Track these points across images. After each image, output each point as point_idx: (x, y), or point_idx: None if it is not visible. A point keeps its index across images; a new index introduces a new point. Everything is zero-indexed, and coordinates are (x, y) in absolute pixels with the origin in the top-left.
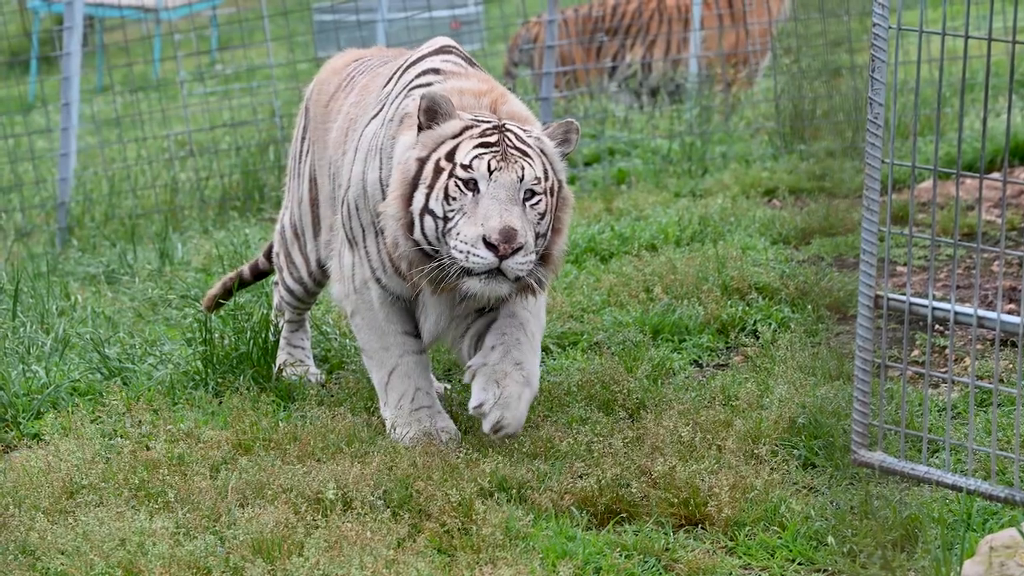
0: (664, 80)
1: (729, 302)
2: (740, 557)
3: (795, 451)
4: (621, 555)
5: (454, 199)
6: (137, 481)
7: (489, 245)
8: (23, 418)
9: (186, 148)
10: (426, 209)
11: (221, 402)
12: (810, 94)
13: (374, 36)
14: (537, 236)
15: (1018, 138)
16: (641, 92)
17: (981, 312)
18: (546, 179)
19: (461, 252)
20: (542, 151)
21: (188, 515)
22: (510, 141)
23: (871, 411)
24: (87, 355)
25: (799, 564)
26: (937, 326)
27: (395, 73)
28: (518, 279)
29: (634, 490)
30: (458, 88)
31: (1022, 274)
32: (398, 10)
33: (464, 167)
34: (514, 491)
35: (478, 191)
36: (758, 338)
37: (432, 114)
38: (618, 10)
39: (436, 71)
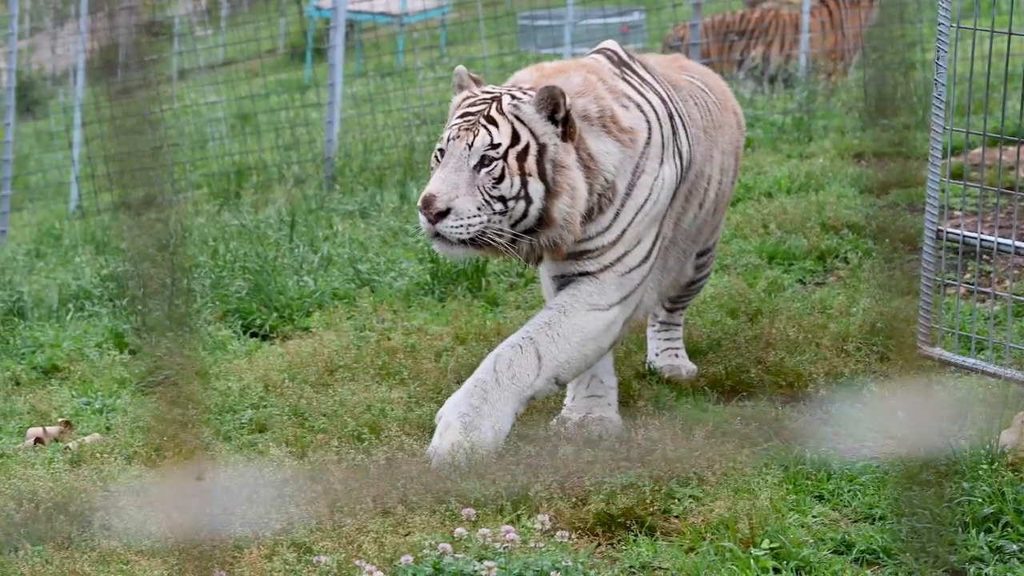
0: (779, 70)
1: (826, 236)
2: (832, 427)
3: (874, 348)
4: (742, 422)
5: (432, 169)
6: (380, 363)
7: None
8: (296, 316)
9: (420, 118)
10: None
11: (444, 305)
12: (891, 82)
13: (562, 36)
14: (500, 199)
15: None
16: (762, 79)
17: (1018, 243)
18: (514, 143)
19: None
20: (517, 117)
21: (417, 388)
22: (487, 110)
23: (933, 318)
24: (345, 270)
25: (875, 433)
26: (984, 255)
27: None
28: (464, 242)
29: (752, 375)
30: (542, 72)
31: None
32: (580, 17)
33: (441, 138)
34: (664, 374)
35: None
36: (848, 263)
37: (458, 88)
38: (745, 17)
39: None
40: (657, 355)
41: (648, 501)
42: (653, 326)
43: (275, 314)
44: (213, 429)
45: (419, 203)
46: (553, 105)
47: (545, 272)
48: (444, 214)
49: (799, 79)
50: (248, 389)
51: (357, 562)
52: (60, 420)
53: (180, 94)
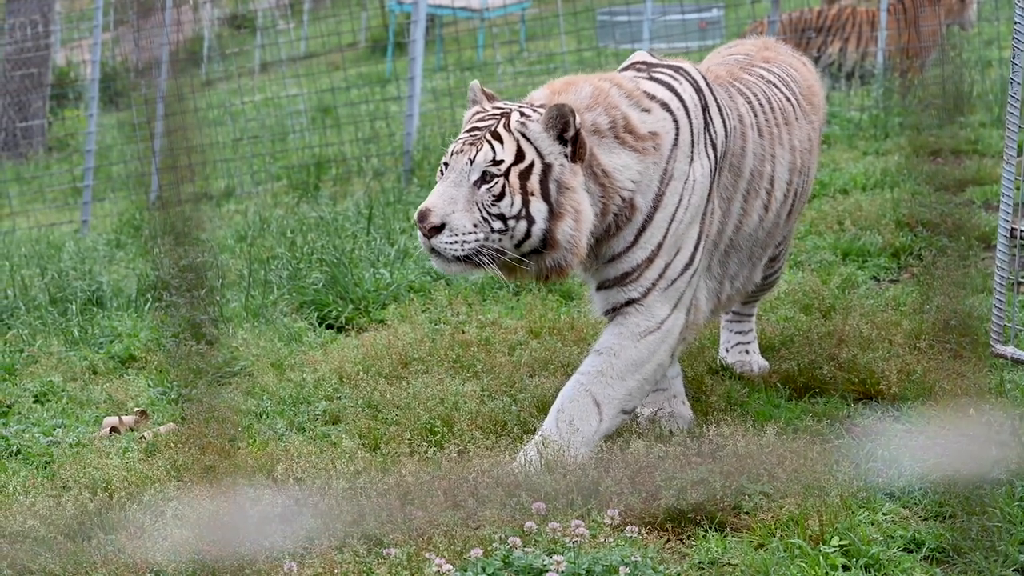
0: (856, 67)
1: (901, 233)
2: (903, 424)
3: (948, 345)
4: (813, 419)
5: (436, 183)
6: (454, 356)
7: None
8: (372, 308)
9: None
10: None
11: (518, 299)
12: (968, 80)
13: (641, 32)
14: (499, 217)
15: None
16: (839, 76)
17: None
18: (518, 161)
19: None
20: (523, 135)
21: (491, 382)
22: (494, 126)
23: (1006, 316)
24: (421, 262)
25: (948, 430)
26: None
27: None
28: (459, 259)
29: (824, 371)
30: (552, 89)
31: None
32: (659, 13)
33: (446, 152)
34: (735, 370)
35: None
36: (922, 260)
37: (471, 103)
38: (822, 14)
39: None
40: (728, 350)
41: (718, 497)
42: (727, 314)
43: (351, 306)
44: (287, 420)
45: (415, 216)
46: (562, 124)
47: (594, 304)
48: (439, 229)
49: (875, 76)
50: (323, 381)
51: (427, 555)
52: (136, 409)
53: (262, 87)
